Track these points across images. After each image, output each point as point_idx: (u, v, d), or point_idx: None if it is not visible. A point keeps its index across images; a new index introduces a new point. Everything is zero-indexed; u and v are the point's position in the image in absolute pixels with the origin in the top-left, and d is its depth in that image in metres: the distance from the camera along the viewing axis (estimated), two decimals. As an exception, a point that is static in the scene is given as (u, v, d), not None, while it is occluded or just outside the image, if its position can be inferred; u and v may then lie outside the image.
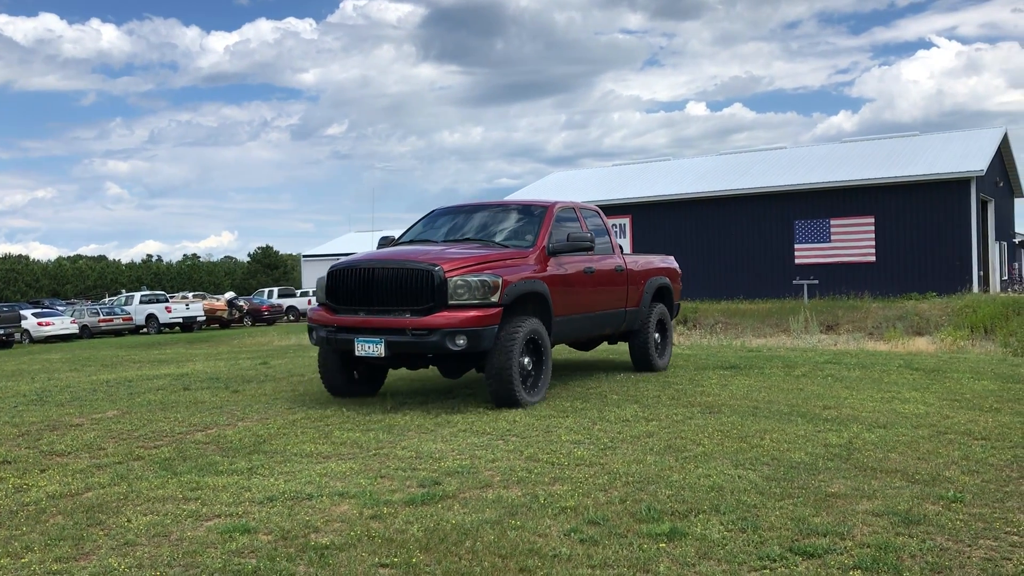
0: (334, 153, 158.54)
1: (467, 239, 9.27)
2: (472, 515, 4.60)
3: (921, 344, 19.01)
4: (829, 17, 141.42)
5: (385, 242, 9.85)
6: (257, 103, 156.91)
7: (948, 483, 5.25)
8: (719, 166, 36.95)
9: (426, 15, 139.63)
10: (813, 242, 31.02)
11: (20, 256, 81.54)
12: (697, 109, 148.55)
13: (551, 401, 8.48)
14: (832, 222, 30.69)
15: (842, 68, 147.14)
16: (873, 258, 30.01)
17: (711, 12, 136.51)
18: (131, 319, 40.73)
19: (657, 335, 11.20)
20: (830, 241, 30.73)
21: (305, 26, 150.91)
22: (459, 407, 8.26)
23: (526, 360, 8.25)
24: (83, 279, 78.72)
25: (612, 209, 34.25)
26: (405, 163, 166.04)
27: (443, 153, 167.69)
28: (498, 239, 9.19)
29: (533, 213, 9.51)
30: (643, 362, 10.94)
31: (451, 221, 9.91)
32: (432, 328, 7.74)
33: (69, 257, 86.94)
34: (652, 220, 33.80)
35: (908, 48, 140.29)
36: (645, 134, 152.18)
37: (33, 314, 37.83)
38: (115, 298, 48.69)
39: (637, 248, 33.15)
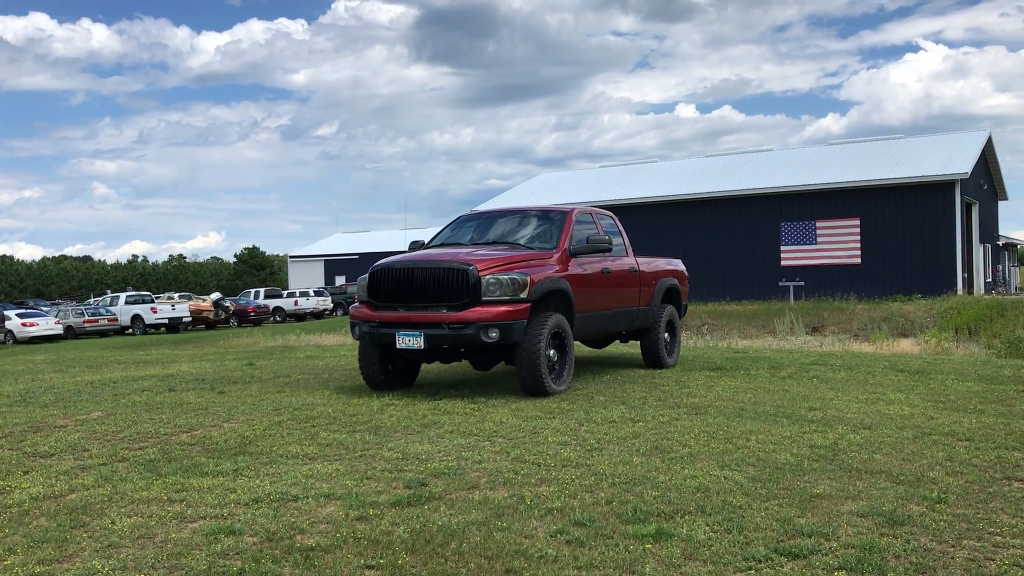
0: (324, 154, 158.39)
1: (493, 242, 10.03)
2: (458, 516, 4.60)
3: (906, 346, 19.11)
4: (819, 20, 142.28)
5: (416, 246, 10.59)
6: (247, 103, 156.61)
7: (932, 484, 5.28)
8: (706, 168, 37.06)
9: (419, 16, 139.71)
10: (799, 244, 31.14)
11: (4, 256, 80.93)
12: (687, 111, 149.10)
13: (537, 402, 8.48)
14: (818, 224, 30.83)
15: (831, 71, 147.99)
16: (859, 260, 30.16)
17: (702, 15, 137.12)
18: (116, 320, 40.52)
19: (667, 334, 11.80)
20: (816, 243, 30.86)
21: (297, 27, 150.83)
22: (446, 408, 8.24)
23: (552, 352, 8.95)
24: (68, 279, 78.20)
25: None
26: (395, 164, 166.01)
27: (433, 154, 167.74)
28: (523, 242, 9.92)
29: (553, 218, 10.27)
30: (653, 359, 11.58)
31: (477, 226, 10.72)
32: (467, 322, 8.46)
33: (54, 257, 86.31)
34: (639, 222, 33.82)
35: (896, 52, 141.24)
36: (635, 136, 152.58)
37: (17, 315, 37.60)
38: (100, 299, 48.41)
39: (624, 250, 33.23)
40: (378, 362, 9.49)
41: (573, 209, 10.42)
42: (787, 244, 31.29)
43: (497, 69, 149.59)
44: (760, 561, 3.93)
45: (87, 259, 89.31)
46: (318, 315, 47.17)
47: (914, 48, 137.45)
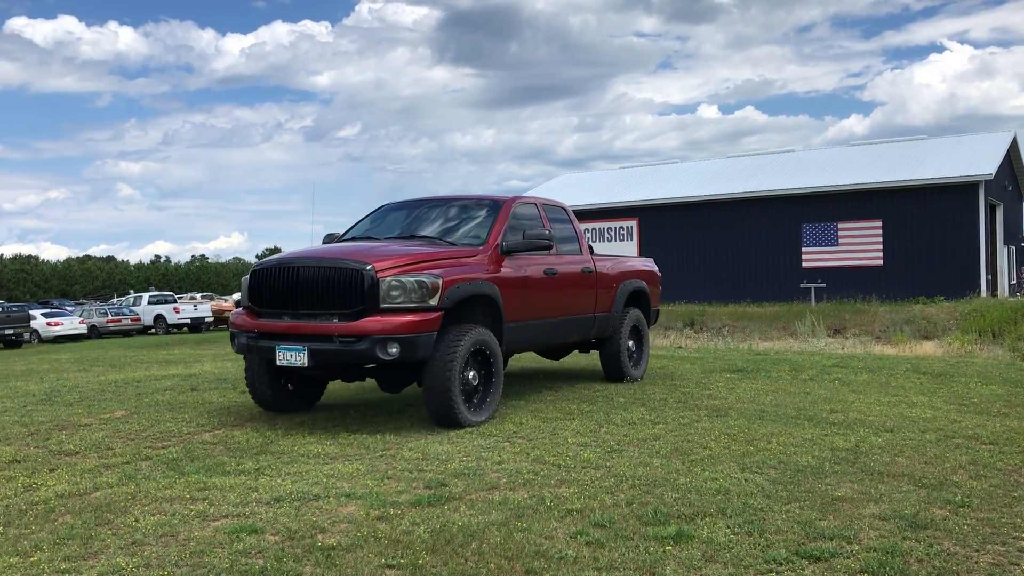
0: (346, 155, 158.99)
1: (413, 236, 8.42)
2: (478, 517, 4.61)
3: (928, 348, 18.96)
4: (842, 21, 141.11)
5: (330, 239, 9.08)
6: (270, 105, 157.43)
7: (955, 487, 5.24)
8: (727, 169, 36.92)
9: (442, 18, 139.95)
10: (821, 245, 30.96)
11: (30, 256, 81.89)
12: (709, 112, 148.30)
13: (557, 404, 8.48)
14: (840, 225, 30.63)
15: (854, 72, 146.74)
16: (880, 262, 29.94)
17: (726, 15, 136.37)
18: (139, 319, 40.84)
19: (631, 342, 10.44)
20: (838, 244, 30.66)
21: (320, 29, 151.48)
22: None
23: (471, 374, 7.39)
24: (91, 280, 79.04)
25: (619, 211, 34.27)
26: (416, 165, 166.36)
27: (454, 155, 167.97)
28: (448, 237, 8.32)
29: (488, 209, 8.61)
30: (614, 371, 10.17)
31: (401, 217, 9.08)
32: (361, 335, 6.86)
33: (78, 258, 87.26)
34: (659, 223, 33.78)
35: (920, 52, 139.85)
36: (657, 137, 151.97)
37: (42, 314, 37.97)
38: (123, 299, 48.84)
39: (644, 252, 33.10)
40: (267, 378, 7.97)
41: (512, 198, 8.87)
42: (808, 245, 31.12)
43: (519, 70, 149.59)
44: (781, 564, 3.91)
45: (111, 259, 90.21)
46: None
47: (939, 48, 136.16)
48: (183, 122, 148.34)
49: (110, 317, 40.10)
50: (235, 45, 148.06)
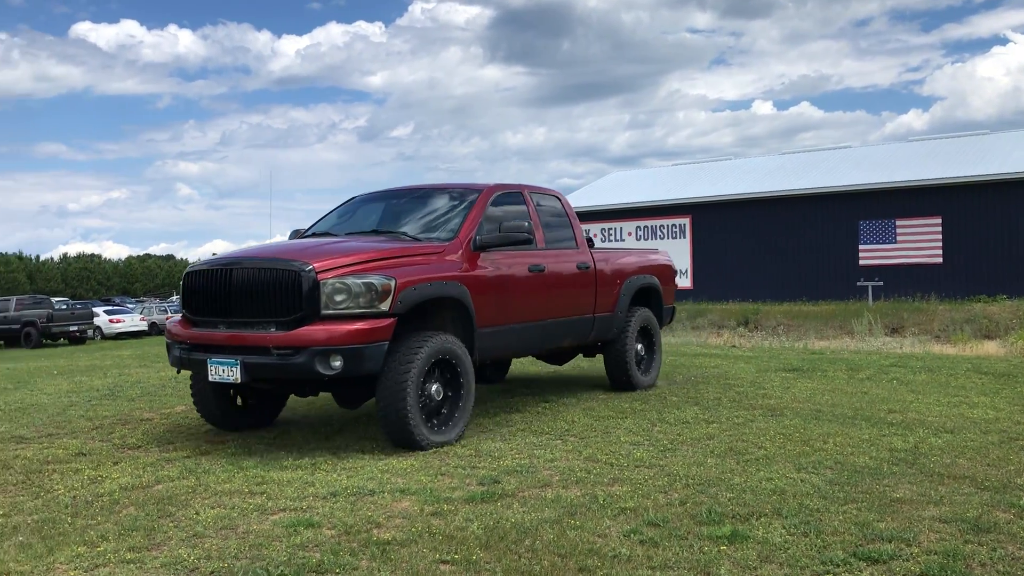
0: (399, 155, 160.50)
1: (377, 231, 7.56)
2: (531, 514, 4.63)
3: (990, 348, 18.50)
4: (901, 14, 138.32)
5: (295, 236, 8.26)
6: (324, 106, 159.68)
7: (1019, 491, 5.12)
8: (782, 165, 36.43)
9: (494, 17, 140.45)
10: (878, 243, 30.39)
11: (93, 255, 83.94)
12: (764, 108, 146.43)
13: (609, 402, 8.45)
14: (898, 223, 30.03)
15: (913, 66, 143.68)
16: (940, 259, 29.29)
17: (781, 10, 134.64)
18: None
19: (640, 346, 9.43)
20: (896, 242, 30.07)
21: (374, 29, 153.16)
22: (518, 406, 8.28)
23: (434, 387, 6.51)
24: (152, 277, 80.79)
25: (672, 209, 34.01)
26: (468, 164, 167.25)
27: (506, 154, 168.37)
28: (416, 231, 7.44)
29: (464, 198, 7.66)
30: (620, 379, 9.16)
31: (370, 210, 8.21)
32: (299, 346, 6.01)
33: (139, 256, 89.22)
34: (713, 220, 33.45)
35: (982, 45, 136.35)
36: (710, 133, 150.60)
37: (105, 311, 38.90)
38: (182, 296, 49.81)
39: (697, 250, 32.85)
40: (213, 393, 7.10)
41: (492, 187, 7.84)
42: (865, 243, 30.56)
43: (571, 68, 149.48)
44: (838, 565, 3.86)
45: (170, 258, 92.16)
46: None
47: (1002, 41, 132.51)
48: (240, 123, 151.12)
49: (169, 314, 40.90)
50: (291, 46, 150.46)
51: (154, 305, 43.04)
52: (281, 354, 6.06)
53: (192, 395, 7.30)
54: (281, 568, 3.79)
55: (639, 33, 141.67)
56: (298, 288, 6.12)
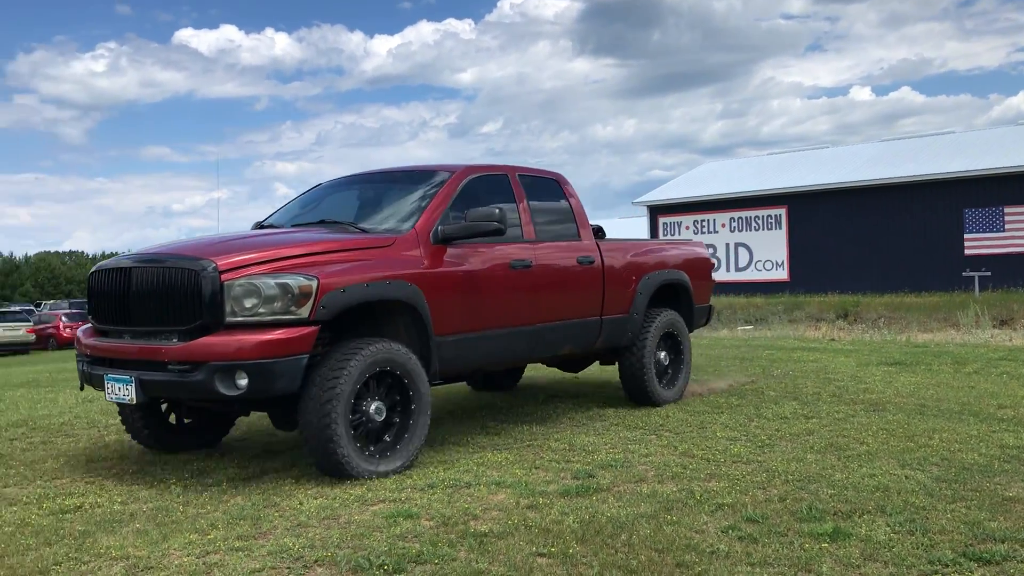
0: (488, 150, 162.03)
1: (325, 221, 6.54)
2: (627, 509, 4.62)
3: (1110, 340, 17.56)
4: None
5: (257, 228, 7.09)
6: (416, 104, 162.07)
7: None
8: (882, 153, 35.29)
9: (583, 9, 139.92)
10: (985, 231, 29.17)
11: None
12: (862, 94, 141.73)
13: (705, 397, 8.34)
14: (1007, 210, 28.75)
15: (1023, 46, 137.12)
16: (1054, 248, 27.93)
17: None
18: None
19: (662, 353, 8.12)
20: (1004, 230, 28.81)
21: (464, 26, 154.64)
22: (611, 401, 8.26)
23: (373, 406, 5.49)
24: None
25: (767, 199, 33.32)
26: (557, 158, 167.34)
27: (595, 147, 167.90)
28: (370, 221, 6.40)
29: (431, 182, 6.57)
30: (638, 391, 7.87)
31: (332, 196, 7.25)
32: (197, 361, 5.10)
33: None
34: (810, 210, 32.62)
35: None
36: (806, 121, 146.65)
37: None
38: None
39: (793, 241, 32.10)
40: (138, 411, 6.25)
41: (466, 168, 6.75)
42: (971, 232, 29.37)
43: (662, 58, 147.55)
44: (947, 565, 3.74)
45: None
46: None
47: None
48: (335, 123, 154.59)
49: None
50: (383, 46, 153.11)
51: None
52: (179, 370, 5.16)
53: (118, 412, 6.51)
54: (382, 558, 3.88)
55: (731, 21, 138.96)
56: (197, 290, 5.18)
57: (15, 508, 5.01)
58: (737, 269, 33.49)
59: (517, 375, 9.63)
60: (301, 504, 4.87)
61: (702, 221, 34.76)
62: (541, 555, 3.95)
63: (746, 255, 33.35)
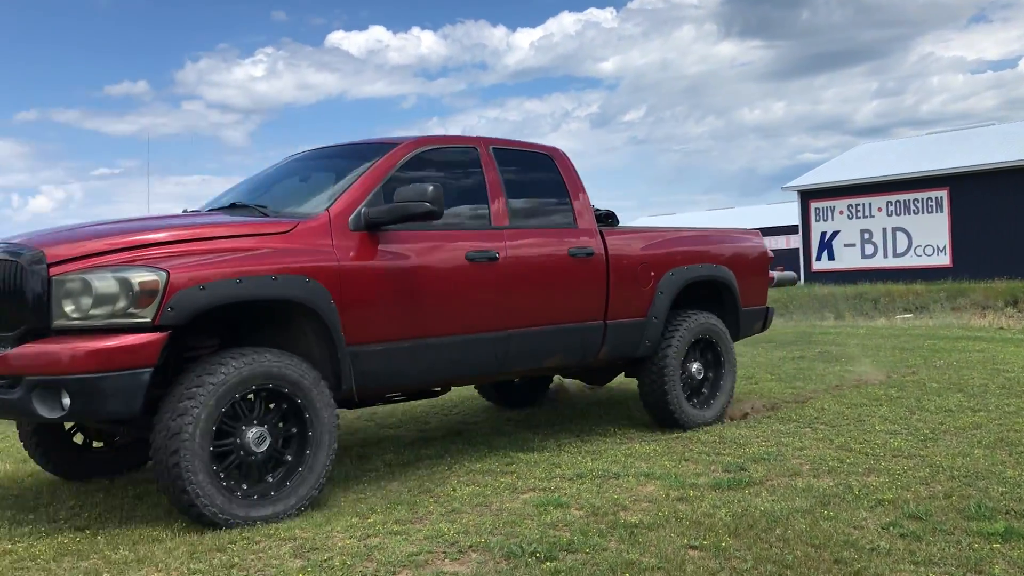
0: (631, 139, 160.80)
1: (235, 205, 5.54)
2: (781, 503, 4.52)
3: None
4: None
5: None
6: (557, 95, 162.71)
7: None
8: (1056, 128, 32.85)
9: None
10: None
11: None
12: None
13: (862, 388, 8.03)
14: None
15: None
16: None
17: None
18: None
19: (695, 366, 6.73)
20: None
21: (606, 15, 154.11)
22: (763, 391, 8.08)
23: (251, 434, 4.47)
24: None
25: (927, 181, 31.61)
26: (702, 144, 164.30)
27: (742, 131, 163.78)
28: (282, 203, 5.44)
29: (370, 156, 5.48)
30: (658, 410, 6.56)
31: (275, 175, 6.19)
32: (15, 375, 4.25)
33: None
34: (975, 192, 30.72)
35: None
36: (969, 98, 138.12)
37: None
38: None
39: (956, 224, 30.33)
40: (38, 431, 5.45)
41: (413, 140, 5.60)
42: None
43: (811, 37, 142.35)
44: None
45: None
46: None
47: None
48: (478, 117, 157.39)
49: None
50: (525, 39, 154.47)
51: None
52: (2, 386, 4.32)
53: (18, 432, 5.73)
54: (534, 545, 3.95)
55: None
56: (19, 287, 4.34)
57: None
58: (895, 255, 31.95)
59: (543, 387, 8.19)
60: (454, 491, 5.01)
61: (856, 205, 33.33)
62: (693, 547, 3.93)
63: (904, 240, 31.75)
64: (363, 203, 5.07)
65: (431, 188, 4.90)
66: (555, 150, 6.39)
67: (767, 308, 7.52)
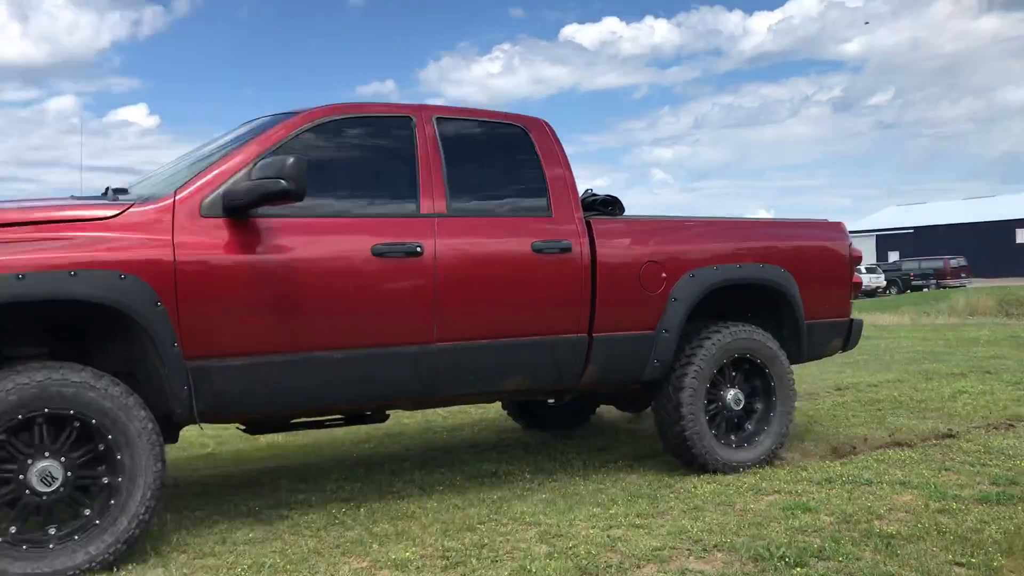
0: (877, 123, 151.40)
1: (121, 190, 4.44)
2: (1061, 523, 4.12)
3: None
4: None
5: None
6: (796, 79, 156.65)
7: None
8: None
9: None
10: None
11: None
12: None
13: None
14: None
15: None
16: None
17: None
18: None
19: (733, 392, 5.41)
20: None
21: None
22: (1033, 400, 7.40)
23: (36, 473, 3.61)
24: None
25: None
26: (957, 127, 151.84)
27: (1005, 113, 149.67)
28: (168, 184, 4.32)
29: (261, 129, 4.54)
30: (677, 447, 5.31)
31: (196, 153, 5.04)
32: None
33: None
34: None
35: None
36: None
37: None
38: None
39: None
40: None
41: (317, 109, 4.58)
42: None
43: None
44: None
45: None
46: (870, 293, 45.19)
47: None
48: (712, 105, 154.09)
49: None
50: (762, 23, 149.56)
51: None
52: None
53: None
54: (782, 549, 3.83)
55: None
56: None
57: (443, 470, 5.66)
58: None
59: (589, 410, 7.05)
60: (695, 488, 4.96)
61: None
62: (959, 564, 3.67)
63: None
64: (225, 184, 4.15)
65: (290, 161, 3.97)
66: (534, 121, 5.19)
67: (850, 321, 5.97)
